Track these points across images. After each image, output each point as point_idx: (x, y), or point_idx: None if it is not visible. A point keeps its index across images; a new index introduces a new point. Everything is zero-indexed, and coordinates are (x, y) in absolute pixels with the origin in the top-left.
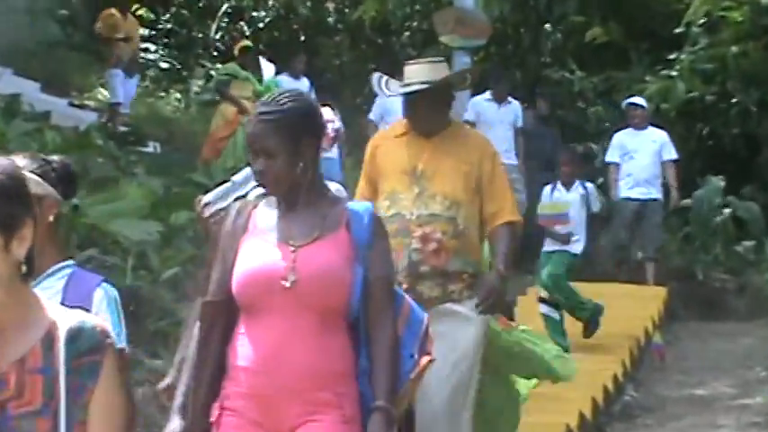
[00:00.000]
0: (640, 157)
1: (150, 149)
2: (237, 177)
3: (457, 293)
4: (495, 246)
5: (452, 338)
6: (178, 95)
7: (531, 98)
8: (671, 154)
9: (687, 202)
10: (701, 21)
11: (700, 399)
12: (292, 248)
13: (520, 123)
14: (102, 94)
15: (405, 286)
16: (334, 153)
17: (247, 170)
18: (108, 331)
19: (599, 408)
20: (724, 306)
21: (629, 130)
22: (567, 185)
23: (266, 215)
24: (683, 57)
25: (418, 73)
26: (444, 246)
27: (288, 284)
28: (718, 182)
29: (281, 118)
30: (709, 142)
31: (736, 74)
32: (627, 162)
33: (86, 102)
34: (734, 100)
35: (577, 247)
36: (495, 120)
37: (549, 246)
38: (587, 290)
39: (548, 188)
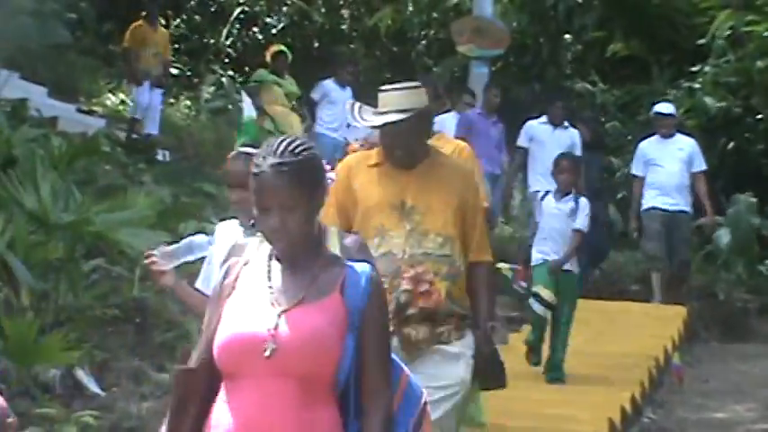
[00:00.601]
0: (666, 166)
1: (159, 157)
2: (198, 239)
3: (446, 335)
4: (475, 293)
5: (437, 378)
6: (188, 102)
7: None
8: (701, 165)
9: (719, 218)
10: (726, 33)
11: (720, 422)
12: (277, 312)
13: (578, 151)
14: (111, 100)
15: (391, 329)
16: None
17: (205, 238)
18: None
19: (617, 429)
20: (746, 327)
21: (655, 138)
22: (561, 195)
23: (257, 273)
24: (706, 69)
25: (395, 100)
26: (436, 287)
27: (267, 353)
28: (748, 198)
29: (300, 168)
30: (733, 158)
31: (761, 88)
32: (651, 172)
33: (94, 107)
34: (759, 116)
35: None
36: (549, 142)
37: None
38: (606, 308)
39: (539, 195)
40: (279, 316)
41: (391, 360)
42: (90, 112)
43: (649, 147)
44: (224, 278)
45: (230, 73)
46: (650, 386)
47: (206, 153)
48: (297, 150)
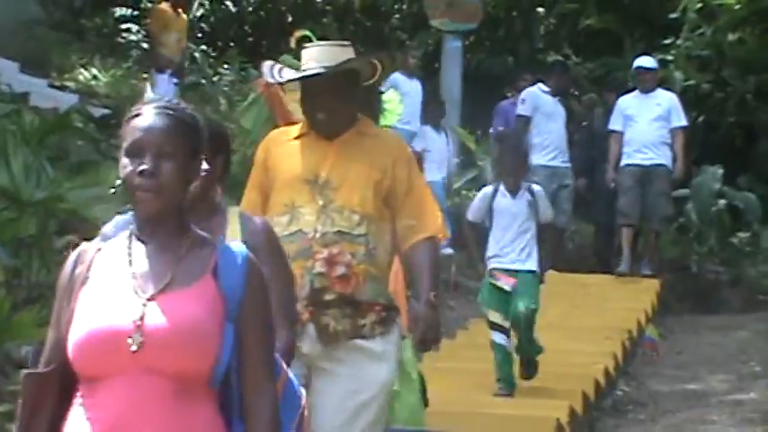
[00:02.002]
0: (643, 122)
1: None
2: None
3: (368, 328)
4: (416, 266)
5: (359, 380)
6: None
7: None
8: (680, 120)
9: (684, 191)
10: (697, 7)
11: (693, 393)
12: (142, 300)
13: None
14: (84, 75)
15: (306, 317)
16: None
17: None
18: None
19: (590, 402)
20: (718, 299)
21: (635, 93)
22: (513, 191)
23: (113, 258)
24: (678, 43)
25: (317, 56)
26: (354, 270)
27: (134, 347)
28: (716, 170)
29: (185, 118)
30: (704, 131)
31: (732, 61)
32: (629, 128)
33: (66, 83)
34: (730, 88)
35: (531, 264)
36: (555, 113)
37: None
38: (580, 281)
39: (487, 191)
40: (144, 304)
41: (273, 352)
42: (62, 88)
43: (628, 102)
44: (73, 268)
45: (203, 48)
46: (623, 359)
47: None
48: (184, 107)
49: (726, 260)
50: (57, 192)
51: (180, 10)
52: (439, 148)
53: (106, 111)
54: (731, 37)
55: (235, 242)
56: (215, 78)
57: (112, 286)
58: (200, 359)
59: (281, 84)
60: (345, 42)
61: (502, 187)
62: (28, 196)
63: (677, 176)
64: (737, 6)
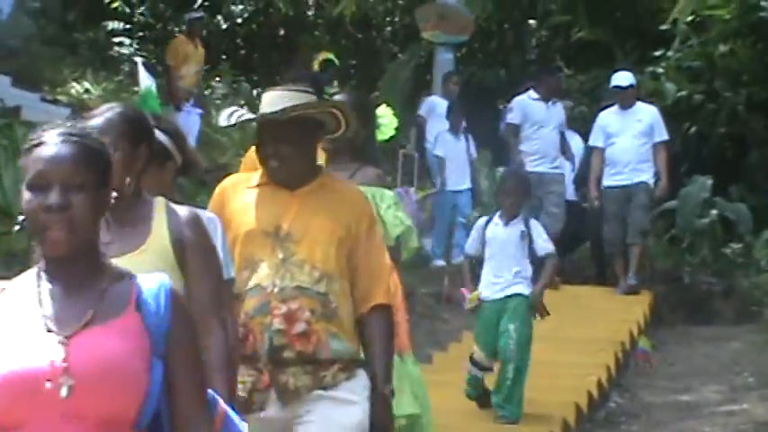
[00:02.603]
0: (623, 140)
1: None
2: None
3: (330, 378)
4: (370, 343)
5: (330, 424)
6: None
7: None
8: (662, 135)
9: (673, 203)
10: (688, 19)
11: (686, 405)
12: (61, 339)
13: (564, 128)
14: (76, 88)
15: (265, 377)
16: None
17: None
18: None
19: (583, 414)
20: (711, 310)
21: (615, 108)
22: (508, 219)
23: (20, 297)
24: (669, 54)
25: (274, 101)
26: (313, 328)
27: (63, 392)
28: (705, 180)
29: (92, 145)
30: (696, 142)
31: (723, 73)
32: (610, 146)
33: (59, 96)
34: (721, 99)
35: (520, 288)
36: (545, 120)
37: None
38: (572, 293)
39: (481, 221)
40: (65, 343)
41: (206, 386)
42: (54, 101)
43: (609, 118)
44: None
45: None
46: (616, 370)
47: None
48: (88, 131)
49: (718, 271)
50: None
51: (198, 44)
52: (458, 155)
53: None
54: (722, 48)
55: (155, 274)
56: (207, 92)
57: (23, 327)
58: (129, 399)
59: (231, 126)
60: (309, 89)
61: (496, 217)
62: (19, 210)
63: (661, 193)
64: (728, 18)
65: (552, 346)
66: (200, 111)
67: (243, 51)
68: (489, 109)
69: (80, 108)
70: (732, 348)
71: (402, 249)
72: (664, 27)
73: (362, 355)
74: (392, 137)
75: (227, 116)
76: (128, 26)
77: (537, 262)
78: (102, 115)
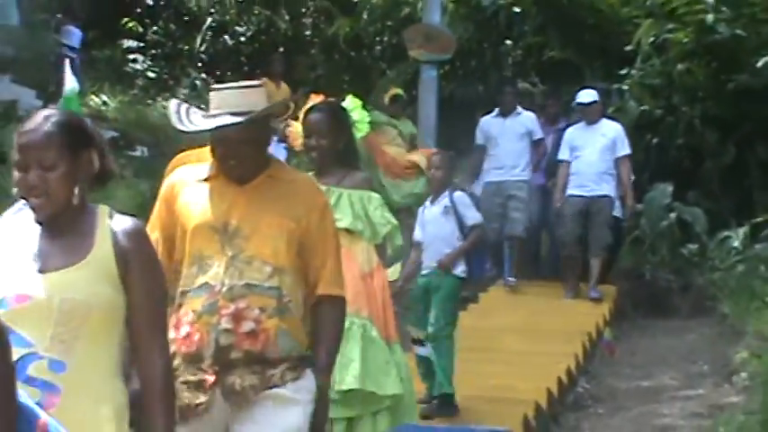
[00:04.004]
0: (587, 153)
1: (138, 153)
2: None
3: (278, 377)
4: (318, 327)
5: (268, 424)
6: (165, 103)
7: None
8: (624, 149)
9: (638, 206)
10: (650, 40)
11: (647, 390)
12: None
13: (537, 136)
14: (94, 101)
15: (209, 377)
16: None
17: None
18: None
19: (553, 398)
20: (670, 305)
21: (581, 124)
22: (436, 195)
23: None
24: (632, 72)
25: (229, 101)
26: (263, 326)
27: None
28: (666, 187)
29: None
30: (657, 152)
31: (681, 89)
32: (575, 159)
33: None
34: (680, 113)
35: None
36: (500, 134)
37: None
38: (543, 289)
39: (422, 208)
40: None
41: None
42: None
43: (575, 133)
44: None
45: (203, 76)
46: (584, 359)
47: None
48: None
49: (676, 269)
50: None
51: (281, 81)
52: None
53: (115, 133)
54: (680, 67)
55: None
56: None
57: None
58: None
59: (188, 132)
60: (256, 83)
61: (428, 200)
62: None
63: (630, 209)
64: (685, 40)
65: (526, 336)
66: (284, 145)
67: (246, 68)
68: (469, 121)
69: (98, 118)
70: (688, 339)
71: (388, 247)
72: (628, 48)
73: (310, 350)
74: (368, 132)
75: (178, 113)
76: (141, 44)
77: (466, 233)
78: (41, 128)
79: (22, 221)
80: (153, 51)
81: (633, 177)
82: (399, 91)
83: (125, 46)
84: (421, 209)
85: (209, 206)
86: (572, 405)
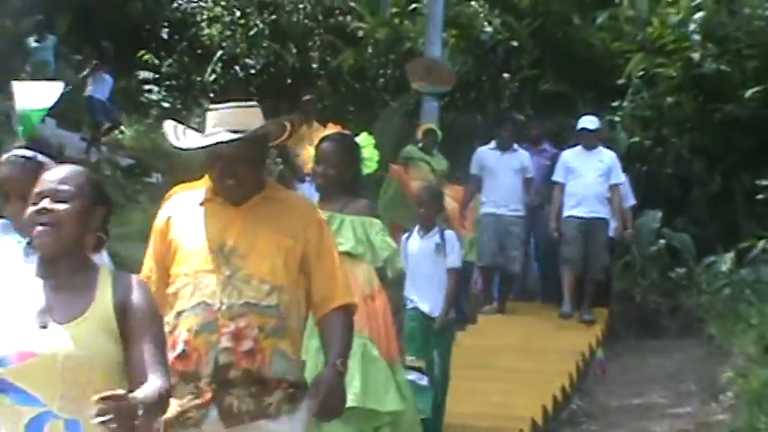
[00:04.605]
0: (585, 176)
1: (153, 180)
2: None
3: (274, 407)
4: (328, 335)
5: None
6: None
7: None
8: (618, 178)
9: (629, 232)
10: (640, 74)
11: (637, 407)
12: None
13: (530, 174)
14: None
15: (208, 396)
16: None
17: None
18: None
19: (548, 415)
20: (659, 326)
21: (579, 148)
22: (426, 230)
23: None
24: (624, 105)
25: (226, 119)
26: (261, 345)
27: None
28: (656, 213)
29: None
30: (646, 181)
31: (670, 121)
32: (572, 181)
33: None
34: (669, 144)
35: (425, 307)
36: (497, 167)
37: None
38: (538, 310)
39: (404, 237)
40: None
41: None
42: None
43: (571, 156)
44: None
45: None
46: (578, 377)
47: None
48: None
49: (665, 292)
50: None
51: (313, 122)
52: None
53: (131, 161)
54: (669, 100)
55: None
56: None
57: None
58: None
59: (186, 149)
60: (253, 103)
61: (415, 231)
62: None
63: (621, 233)
64: (674, 75)
65: (522, 355)
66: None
67: (256, 98)
68: (468, 149)
69: (115, 146)
70: (677, 359)
71: (389, 270)
72: (619, 81)
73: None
74: (376, 169)
75: (175, 133)
76: (156, 76)
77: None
78: (65, 168)
79: (20, 275)
80: (167, 83)
81: (634, 202)
82: (433, 126)
83: (141, 77)
84: (404, 238)
85: (204, 228)
86: (566, 421)
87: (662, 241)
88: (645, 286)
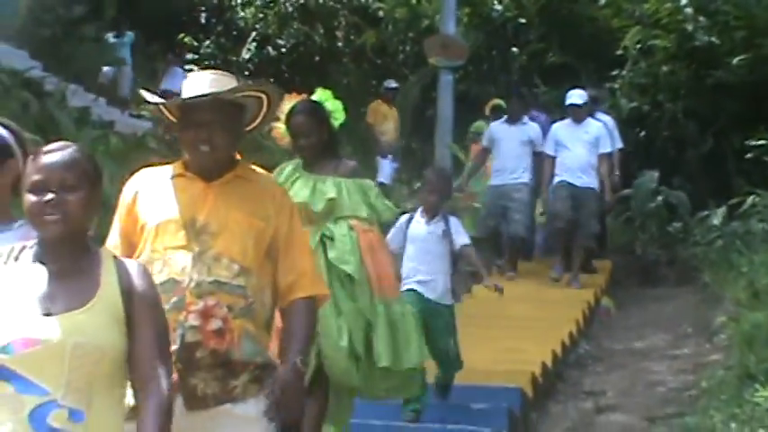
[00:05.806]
0: (572, 148)
1: None
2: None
3: (240, 389)
4: (289, 328)
5: None
6: None
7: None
8: (605, 147)
9: (628, 191)
10: (637, 46)
11: (639, 350)
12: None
13: (539, 147)
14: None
15: (173, 377)
16: None
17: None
18: None
19: (558, 358)
20: (658, 275)
21: (567, 121)
22: (429, 216)
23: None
24: (623, 74)
25: (203, 84)
26: (230, 325)
27: None
28: (653, 173)
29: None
30: (645, 143)
31: (666, 88)
32: (560, 153)
33: (142, 112)
34: (664, 109)
35: (446, 298)
36: (504, 137)
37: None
38: (541, 269)
39: (403, 219)
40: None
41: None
42: (139, 116)
43: (561, 130)
44: None
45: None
46: (584, 323)
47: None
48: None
49: (663, 245)
50: None
51: (391, 104)
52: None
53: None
54: (665, 69)
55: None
56: None
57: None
58: None
59: (157, 104)
60: (228, 73)
61: (418, 214)
62: (114, 201)
63: (610, 199)
64: (669, 46)
65: (533, 305)
66: (395, 164)
67: (286, 75)
68: (480, 118)
69: (159, 121)
70: (675, 305)
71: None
72: (619, 53)
73: (273, 358)
74: (344, 122)
75: (153, 97)
76: (196, 56)
77: (456, 254)
78: (66, 151)
79: (18, 263)
80: (206, 63)
81: (617, 173)
82: (500, 102)
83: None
84: (405, 218)
85: (174, 202)
86: (574, 364)
87: (660, 198)
88: (644, 240)
